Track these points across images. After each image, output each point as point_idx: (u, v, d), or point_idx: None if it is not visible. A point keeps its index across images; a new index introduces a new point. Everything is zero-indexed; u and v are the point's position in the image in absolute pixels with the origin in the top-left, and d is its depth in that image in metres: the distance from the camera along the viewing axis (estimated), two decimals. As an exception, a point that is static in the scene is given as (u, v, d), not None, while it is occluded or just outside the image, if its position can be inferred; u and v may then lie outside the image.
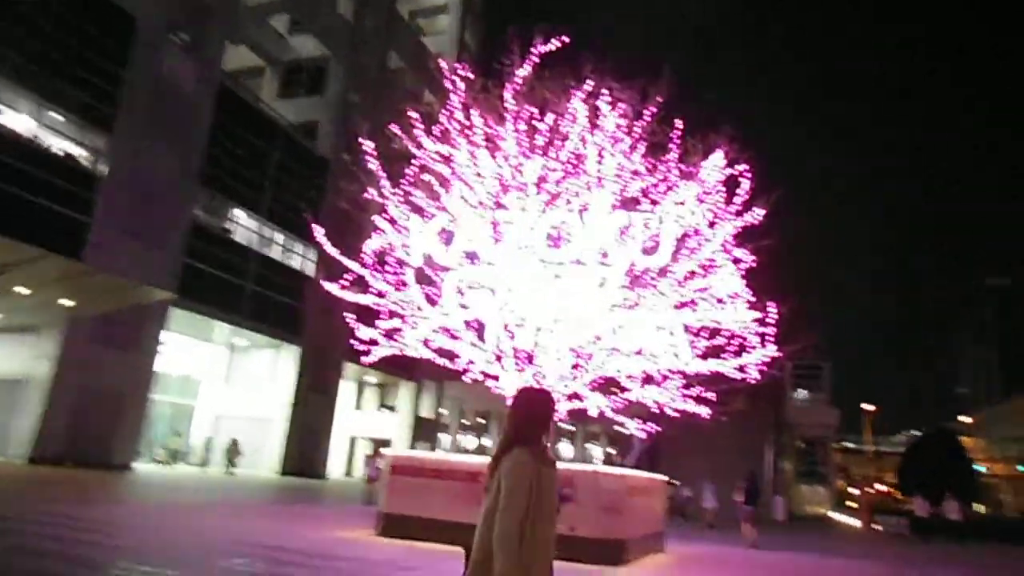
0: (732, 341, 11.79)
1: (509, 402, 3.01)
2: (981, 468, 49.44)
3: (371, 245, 12.34)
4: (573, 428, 56.65)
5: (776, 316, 11.01)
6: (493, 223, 11.93)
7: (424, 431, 42.24)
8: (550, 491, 2.55)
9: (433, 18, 45.06)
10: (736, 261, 11.39)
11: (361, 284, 12.44)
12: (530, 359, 12.57)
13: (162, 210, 23.99)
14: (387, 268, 12.71)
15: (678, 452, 32.67)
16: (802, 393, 49.98)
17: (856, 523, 31.76)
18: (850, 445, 69.50)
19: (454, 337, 12.69)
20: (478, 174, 11.78)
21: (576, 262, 11.70)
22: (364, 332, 12.58)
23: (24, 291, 18.55)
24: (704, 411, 12.26)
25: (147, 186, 23.34)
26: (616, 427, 14.36)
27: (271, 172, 30.15)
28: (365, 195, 12.67)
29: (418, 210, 12.38)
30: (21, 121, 21.06)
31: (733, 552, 14.55)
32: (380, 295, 12.35)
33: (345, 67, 35.23)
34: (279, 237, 31.53)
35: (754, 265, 11.44)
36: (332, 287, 12.28)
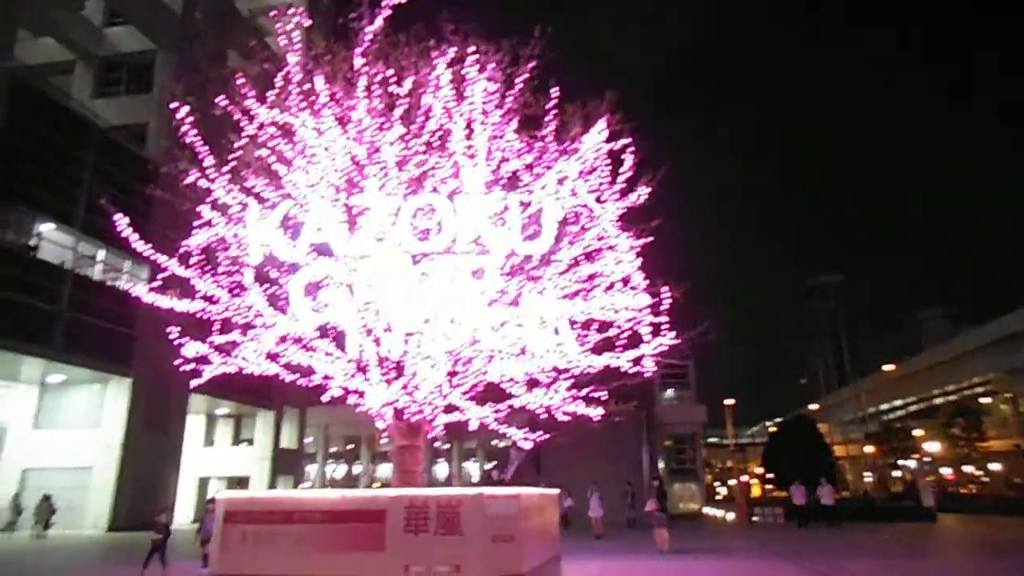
0: (622, 335, 10.75)
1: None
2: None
3: (197, 240, 10.04)
4: (448, 446, 54.74)
5: (670, 301, 10.07)
6: (347, 209, 10.09)
7: (286, 464, 38.52)
8: None
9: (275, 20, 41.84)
10: (632, 243, 10.29)
11: (187, 289, 10.09)
12: (399, 369, 10.81)
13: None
14: (220, 270, 10.47)
15: (557, 460, 31.94)
16: (670, 392, 51.45)
17: (731, 517, 32.42)
18: (713, 440, 73.08)
19: (307, 348, 10.66)
20: (326, 149, 9.90)
21: (447, 251, 10.14)
22: (191, 348, 10.19)
23: None
24: (596, 412, 11.09)
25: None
26: (494, 441, 12.97)
27: (85, 180, 25.92)
28: (192, 183, 10.38)
29: (256, 196, 10.27)
30: None
31: (639, 566, 13.55)
32: (210, 300, 10.06)
33: (175, 62, 31.47)
34: (101, 254, 27.25)
35: (644, 248, 10.43)
36: (143, 291, 9.83)
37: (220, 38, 33.96)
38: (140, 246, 10.23)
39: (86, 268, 26.78)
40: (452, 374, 10.85)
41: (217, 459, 38.09)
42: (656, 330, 10.14)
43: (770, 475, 45.11)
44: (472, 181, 10.20)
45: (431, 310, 10.15)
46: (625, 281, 10.14)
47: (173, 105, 9.91)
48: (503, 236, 10.04)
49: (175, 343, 10.27)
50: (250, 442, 38.36)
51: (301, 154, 10.04)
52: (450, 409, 11.46)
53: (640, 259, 10.02)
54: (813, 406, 73.89)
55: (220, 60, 34.27)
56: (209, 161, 10.30)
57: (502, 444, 46.71)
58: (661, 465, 44.80)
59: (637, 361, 10.26)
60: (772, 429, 76.64)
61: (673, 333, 9.95)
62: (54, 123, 25.42)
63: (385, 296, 10.12)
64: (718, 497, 65.71)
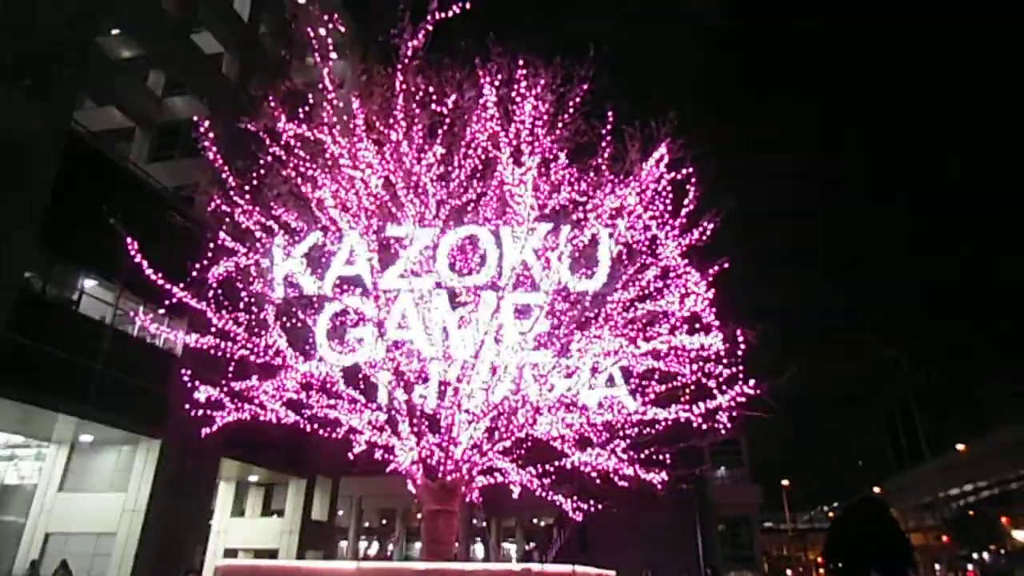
0: (688, 385, 9.35)
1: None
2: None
3: (215, 271, 9.22)
4: (485, 524, 52.01)
5: (743, 346, 8.67)
6: (379, 240, 9.16)
7: (316, 537, 36.69)
8: None
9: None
10: (703, 277, 8.98)
11: (199, 322, 9.20)
12: (433, 423, 9.57)
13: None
14: (239, 305, 9.59)
15: (604, 542, 29.53)
16: (722, 471, 48.33)
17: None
18: (768, 524, 68.21)
19: (331, 395, 9.56)
20: (361, 176, 9.07)
21: (491, 288, 9.05)
22: (203, 391, 9.19)
23: None
24: (658, 478, 9.55)
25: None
26: (535, 519, 11.42)
27: (133, 238, 25.99)
28: (215, 208, 9.74)
29: (283, 225, 9.48)
30: None
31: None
32: (227, 336, 9.12)
33: (229, 130, 32.22)
34: (141, 310, 27.06)
35: (711, 287, 9.12)
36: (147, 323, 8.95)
37: (273, 102, 34.81)
38: (152, 275, 9.51)
39: (125, 324, 26.53)
40: (491, 429, 9.56)
41: (246, 530, 36.51)
42: (731, 380, 8.72)
43: (832, 565, 41.15)
44: (519, 211, 9.22)
45: (468, 353, 9.00)
46: (692, 320, 8.82)
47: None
48: (552, 271, 8.96)
49: (190, 390, 9.32)
50: (280, 513, 36.84)
51: (332, 177, 9.23)
52: (489, 471, 10.11)
53: (711, 290, 8.68)
54: (876, 489, 68.70)
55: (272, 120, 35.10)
56: (232, 186, 9.65)
57: (543, 522, 44.04)
58: (716, 551, 41.44)
59: (710, 415, 8.76)
60: (831, 514, 71.09)
61: (752, 381, 8.47)
62: (105, 182, 25.76)
63: (419, 337, 9.04)
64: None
